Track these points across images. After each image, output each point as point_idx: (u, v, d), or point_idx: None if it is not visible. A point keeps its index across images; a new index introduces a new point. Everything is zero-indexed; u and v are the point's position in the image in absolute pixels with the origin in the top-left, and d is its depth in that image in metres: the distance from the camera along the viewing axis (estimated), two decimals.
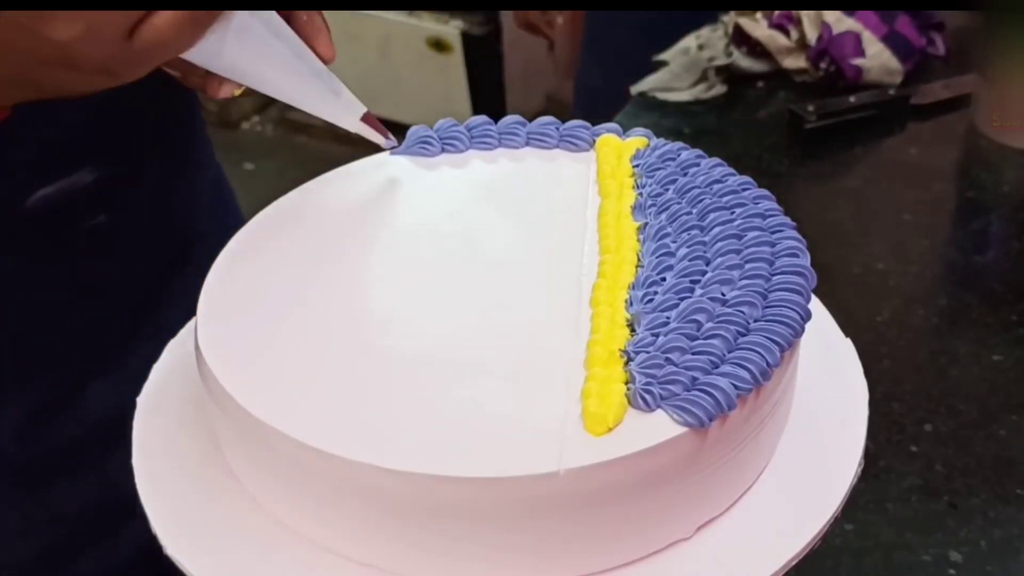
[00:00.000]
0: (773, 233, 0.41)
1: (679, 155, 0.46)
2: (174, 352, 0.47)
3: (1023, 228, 0.79)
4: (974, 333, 0.69)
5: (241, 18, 0.39)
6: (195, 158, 0.65)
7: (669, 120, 0.92)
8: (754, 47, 0.96)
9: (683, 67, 0.95)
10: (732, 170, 0.45)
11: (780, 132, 0.90)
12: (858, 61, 0.91)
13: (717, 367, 0.35)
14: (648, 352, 0.36)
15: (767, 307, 0.38)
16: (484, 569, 0.35)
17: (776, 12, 0.96)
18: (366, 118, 0.46)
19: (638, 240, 0.42)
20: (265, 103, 2.30)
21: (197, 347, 0.39)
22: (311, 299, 0.41)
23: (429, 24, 2.02)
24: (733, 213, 0.42)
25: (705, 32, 0.98)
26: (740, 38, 0.96)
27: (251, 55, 0.41)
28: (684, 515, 0.37)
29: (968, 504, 0.57)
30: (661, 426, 0.34)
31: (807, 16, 0.94)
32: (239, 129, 2.39)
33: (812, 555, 0.37)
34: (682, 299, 0.38)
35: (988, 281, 0.73)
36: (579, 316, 0.39)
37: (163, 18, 0.35)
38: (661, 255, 0.40)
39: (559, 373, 0.36)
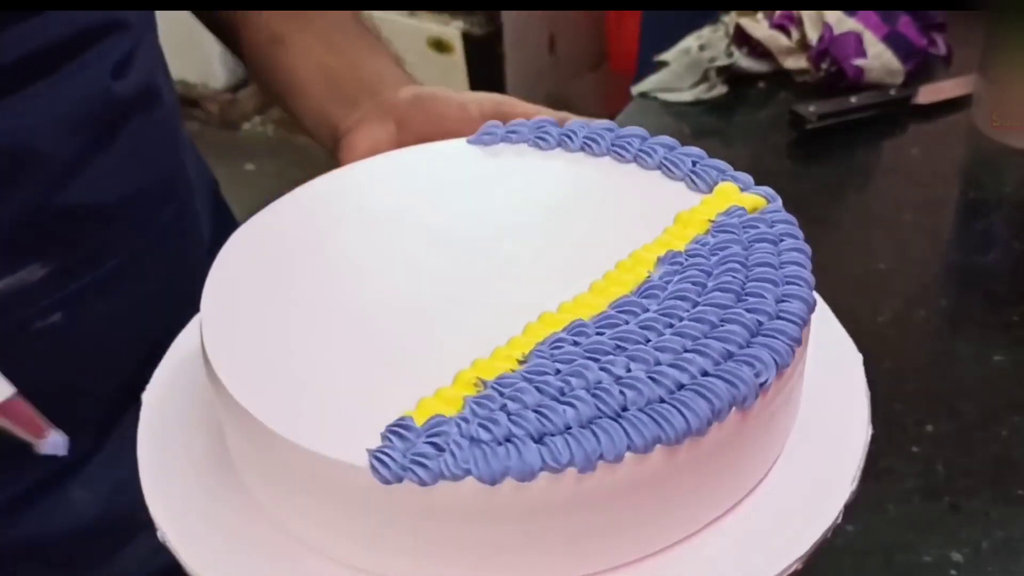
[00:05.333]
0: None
1: (773, 227, 0.41)
2: (182, 345, 0.46)
3: None
4: (976, 333, 0.68)
5: None
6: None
7: (670, 121, 0.92)
8: (755, 47, 0.96)
9: (684, 67, 0.95)
10: (802, 260, 0.39)
11: (781, 132, 0.90)
12: (859, 61, 0.91)
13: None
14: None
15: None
16: (482, 572, 0.35)
17: (777, 12, 0.96)
18: (7, 406, 0.31)
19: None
20: (266, 103, 2.29)
21: (204, 350, 0.39)
22: (315, 299, 0.41)
23: (430, 24, 2.02)
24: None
25: (706, 32, 0.98)
26: (741, 38, 0.96)
27: None
28: (670, 522, 0.37)
29: (969, 505, 0.57)
30: None
31: (808, 16, 0.94)
32: (240, 130, 2.39)
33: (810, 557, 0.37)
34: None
35: (989, 282, 0.73)
36: None
37: None
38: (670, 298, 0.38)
39: None
